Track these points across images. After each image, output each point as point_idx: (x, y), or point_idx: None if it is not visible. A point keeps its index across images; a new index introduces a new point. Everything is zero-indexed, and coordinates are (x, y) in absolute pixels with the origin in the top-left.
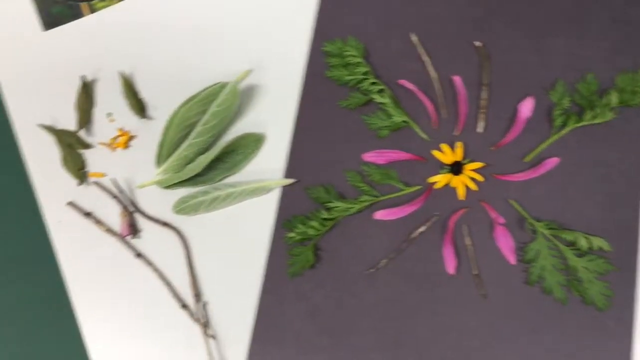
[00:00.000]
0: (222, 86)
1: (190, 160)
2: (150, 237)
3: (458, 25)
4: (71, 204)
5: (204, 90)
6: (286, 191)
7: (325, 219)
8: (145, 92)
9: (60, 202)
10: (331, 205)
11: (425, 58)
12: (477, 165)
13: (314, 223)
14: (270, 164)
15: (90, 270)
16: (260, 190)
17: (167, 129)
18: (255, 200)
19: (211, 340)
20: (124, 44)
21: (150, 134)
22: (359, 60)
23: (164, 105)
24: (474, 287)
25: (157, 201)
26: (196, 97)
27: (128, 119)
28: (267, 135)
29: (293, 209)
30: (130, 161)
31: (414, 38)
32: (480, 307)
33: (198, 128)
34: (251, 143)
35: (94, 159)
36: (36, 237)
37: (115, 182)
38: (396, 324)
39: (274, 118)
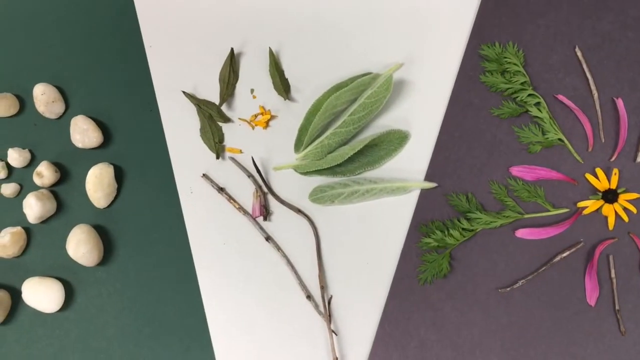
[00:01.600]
0: (373, 77)
1: (332, 149)
2: (280, 222)
3: (627, 46)
4: (205, 176)
5: (354, 79)
6: (424, 194)
7: (464, 229)
8: (289, 73)
9: (193, 172)
10: (473, 216)
11: (589, 75)
12: (634, 196)
13: (454, 232)
14: (411, 164)
15: (216, 246)
16: (400, 190)
17: (311, 114)
18: (392, 199)
19: (333, 336)
20: (274, 20)
21: (290, 116)
22: (518, 69)
23: (306, 88)
24: (613, 322)
25: (290, 186)
26: (346, 86)
27: (269, 98)
28: (411, 134)
29: (429, 213)
30: (268, 141)
31: (578, 52)
32: (618, 344)
33: (344, 117)
34: (395, 140)
35: (231, 133)
36: (168, 202)
37: (252, 161)
38: (526, 349)
39: (420, 117)
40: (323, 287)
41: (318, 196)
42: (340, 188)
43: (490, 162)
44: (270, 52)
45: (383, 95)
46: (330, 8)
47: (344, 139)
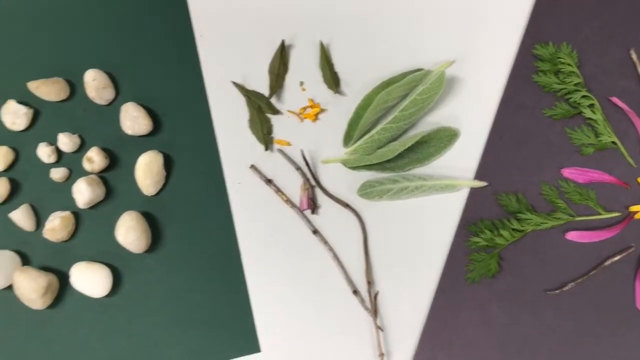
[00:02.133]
0: (424, 74)
1: (381, 145)
2: (327, 215)
3: None
4: (253, 167)
5: (405, 75)
6: (473, 192)
7: (514, 230)
8: (338, 67)
9: (240, 163)
10: (523, 216)
11: None
12: None
13: (504, 232)
14: (461, 162)
15: (263, 238)
16: (449, 188)
17: (361, 108)
18: (441, 196)
19: (379, 332)
20: (324, 13)
21: (339, 110)
22: (572, 69)
23: (356, 82)
24: None
25: (338, 180)
26: (397, 82)
27: (319, 91)
28: (460, 132)
29: (478, 212)
30: (317, 135)
31: (633, 55)
32: None
33: (395, 113)
34: (445, 137)
35: (280, 125)
36: (216, 192)
37: (302, 153)
38: (573, 352)
39: (471, 115)
40: (370, 282)
41: (367, 191)
42: (390, 184)
43: (542, 163)
44: (321, 45)
45: (435, 92)
46: (382, 3)
47: (394, 134)
